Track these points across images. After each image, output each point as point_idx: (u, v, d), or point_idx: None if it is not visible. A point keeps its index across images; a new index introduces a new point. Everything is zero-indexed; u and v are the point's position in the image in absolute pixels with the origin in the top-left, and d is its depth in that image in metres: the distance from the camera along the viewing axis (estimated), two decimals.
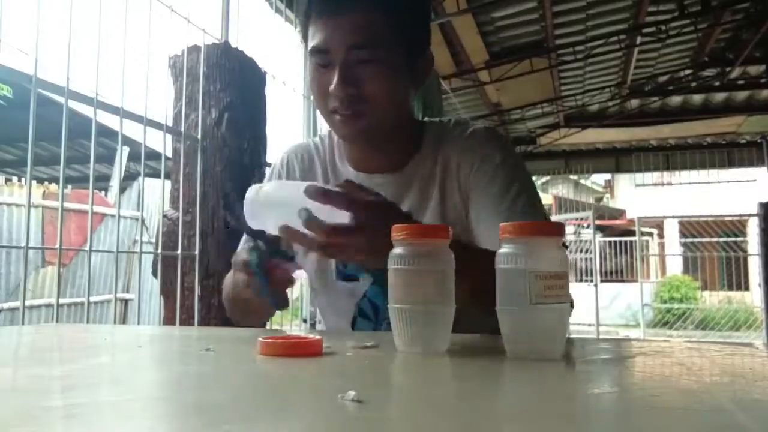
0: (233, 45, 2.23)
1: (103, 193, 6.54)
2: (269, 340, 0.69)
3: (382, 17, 1.00)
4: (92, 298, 4.16)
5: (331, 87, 0.99)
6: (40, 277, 5.45)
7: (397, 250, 0.72)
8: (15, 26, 1.59)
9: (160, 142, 1.97)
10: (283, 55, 3.20)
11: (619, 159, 10.77)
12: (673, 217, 11.64)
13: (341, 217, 0.82)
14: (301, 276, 0.94)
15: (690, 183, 13.17)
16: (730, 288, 11.05)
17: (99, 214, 5.23)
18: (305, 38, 1.06)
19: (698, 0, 5.36)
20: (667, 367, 0.67)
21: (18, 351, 0.81)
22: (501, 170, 1.05)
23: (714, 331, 9.63)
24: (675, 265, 12.46)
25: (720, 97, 8.17)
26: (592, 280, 8.66)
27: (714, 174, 12.15)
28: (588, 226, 10.61)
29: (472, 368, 0.67)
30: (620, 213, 14.31)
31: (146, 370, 0.67)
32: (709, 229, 11.31)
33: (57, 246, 1.51)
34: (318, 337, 0.71)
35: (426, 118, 1.21)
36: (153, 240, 4.58)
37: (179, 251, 1.96)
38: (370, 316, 1.09)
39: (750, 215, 8.16)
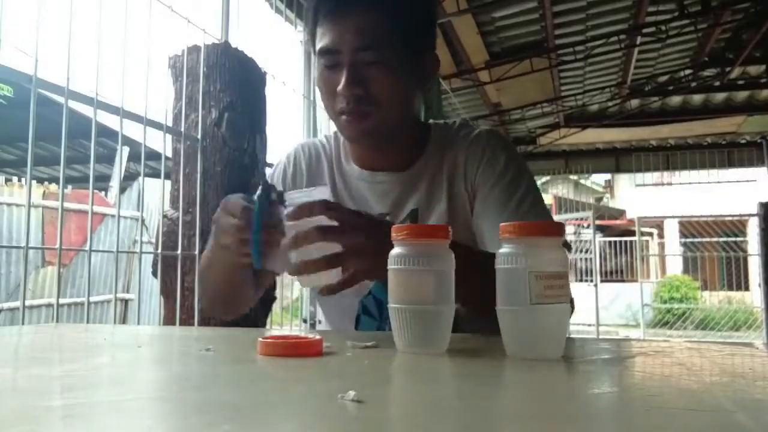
0: (233, 45, 2.22)
1: (103, 193, 6.54)
2: (269, 340, 0.69)
3: (390, 19, 1.01)
4: (92, 298, 4.15)
5: (339, 87, 1.00)
6: (40, 277, 5.45)
7: (397, 250, 0.72)
8: (15, 26, 1.59)
9: (160, 142, 1.97)
10: (283, 55, 3.20)
11: (619, 159, 10.77)
12: (673, 217, 11.64)
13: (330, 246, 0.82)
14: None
15: (690, 183, 13.17)
16: (730, 288, 11.06)
17: (99, 214, 5.23)
18: (312, 39, 1.07)
19: (698, 0, 5.36)
20: (667, 367, 0.67)
21: (18, 351, 0.81)
22: (506, 172, 1.06)
23: (714, 331, 9.63)
24: (675, 265, 12.46)
25: (720, 97, 8.16)
26: (592, 280, 8.66)
27: (714, 174, 12.14)
28: (588, 226, 10.62)
29: (472, 368, 0.67)
30: (620, 213, 14.31)
31: (146, 370, 0.67)
32: (709, 229, 11.32)
33: (57, 246, 1.51)
34: (318, 337, 0.71)
35: (431, 120, 1.21)
36: (153, 240, 4.58)
37: (179, 251, 1.96)
38: (374, 314, 1.09)
39: (750, 215, 8.16)
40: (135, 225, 5.62)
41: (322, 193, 0.90)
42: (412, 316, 0.70)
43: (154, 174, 2.45)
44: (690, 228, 11.87)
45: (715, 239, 10.78)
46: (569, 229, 11.68)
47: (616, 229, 13.40)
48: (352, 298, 1.11)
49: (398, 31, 1.01)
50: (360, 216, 0.89)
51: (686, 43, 6.32)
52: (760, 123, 8.79)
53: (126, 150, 5.97)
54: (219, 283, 1.07)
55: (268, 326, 2.31)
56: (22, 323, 1.50)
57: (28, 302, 3.54)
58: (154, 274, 1.96)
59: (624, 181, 15.12)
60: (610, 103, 8.23)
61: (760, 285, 7.39)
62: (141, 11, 1.81)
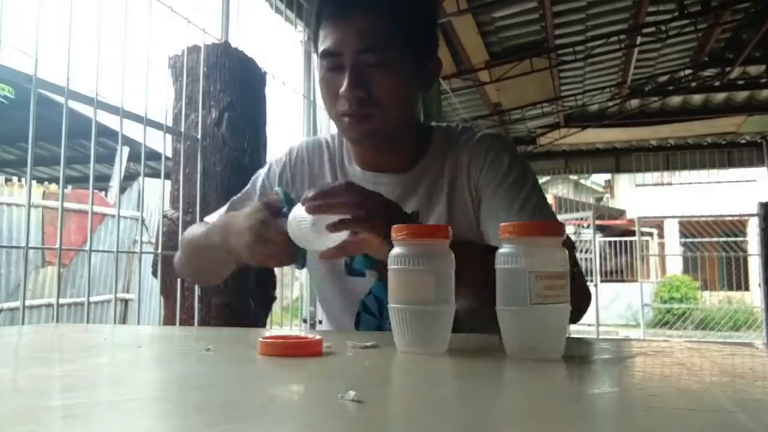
0: (233, 45, 2.22)
1: (103, 193, 6.54)
2: (269, 340, 0.69)
3: (393, 22, 1.01)
4: (92, 298, 4.16)
5: (341, 89, 1.00)
6: (40, 277, 5.45)
7: (397, 250, 0.72)
8: (15, 26, 1.59)
9: (160, 142, 1.97)
10: (283, 55, 3.20)
11: (619, 159, 10.76)
12: (673, 217, 11.64)
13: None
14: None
15: (690, 183, 13.17)
16: (730, 288, 11.05)
17: (99, 214, 5.23)
18: (315, 41, 1.07)
19: (698, 0, 5.36)
20: (667, 367, 0.67)
21: (18, 351, 0.81)
22: (510, 173, 1.07)
23: (714, 331, 9.62)
24: (675, 265, 12.46)
25: (720, 97, 8.16)
26: (592, 280, 8.65)
27: (714, 174, 12.13)
28: (588, 226, 10.62)
29: (472, 368, 0.67)
30: (620, 213, 14.31)
31: (146, 370, 0.67)
32: (709, 229, 11.31)
33: (57, 246, 1.51)
34: (318, 337, 0.71)
35: (433, 123, 1.21)
36: (153, 240, 4.58)
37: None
38: (375, 312, 1.09)
39: (750, 215, 8.16)
40: (135, 225, 5.62)
41: None
42: (412, 316, 0.70)
43: (154, 174, 2.45)
44: (690, 228, 11.87)
45: (715, 239, 10.78)
46: (569, 229, 11.67)
47: (616, 229, 13.40)
48: (353, 297, 1.11)
49: (400, 33, 1.01)
50: (379, 196, 0.91)
51: (686, 43, 6.32)
52: (760, 123, 8.79)
53: (126, 150, 5.97)
54: (213, 263, 1.12)
55: (268, 326, 2.31)
56: (22, 323, 1.50)
57: (28, 302, 3.54)
58: (154, 274, 1.96)
59: (624, 181, 15.12)
60: (610, 103, 8.23)
61: (760, 285, 7.40)
62: (141, 11, 1.81)
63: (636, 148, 10.39)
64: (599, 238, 11.26)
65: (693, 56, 6.77)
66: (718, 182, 12.75)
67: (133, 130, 1.86)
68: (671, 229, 13.10)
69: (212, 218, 1.22)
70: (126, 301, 5.85)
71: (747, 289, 11.04)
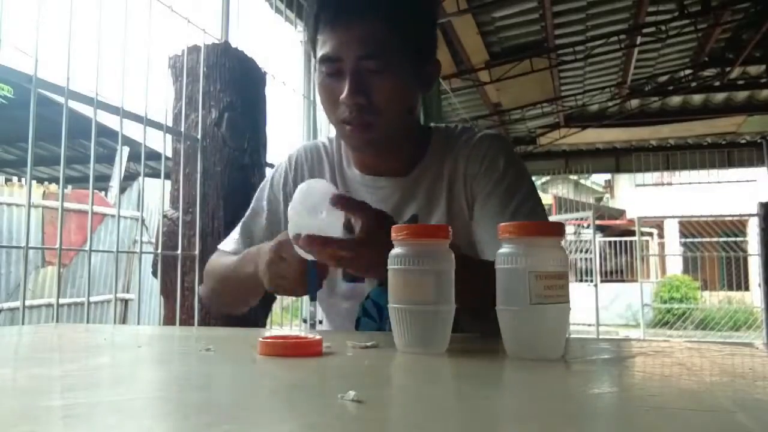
0: (233, 45, 2.22)
1: (103, 193, 6.54)
2: (269, 340, 0.69)
3: (392, 27, 1.00)
4: (92, 298, 4.15)
5: (342, 96, 0.99)
6: (40, 277, 5.45)
7: (397, 250, 0.72)
8: (15, 26, 1.59)
9: (160, 142, 1.97)
10: (283, 55, 3.20)
11: (619, 159, 10.76)
12: (673, 217, 11.64)
13: (332, 230, 0.86)
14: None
15: (690, 183, 13.16)
16: (730, 288, 11.05)
17: (99, 214, 5.23)
18: (313, 46, 1.06)
19: (698, 0, 5.36)
20: (667, 367, 0.67)
21: (18, 351, 0.81)
22: (504, 179, 1.06)
23: (714, 331, 9.62)
24: (675, 265, 12.46)
25: (720, 97, 8.16)
26: (592, 280, 8.66)
27: (714, 174, 12.14)
28: (588, 226, 10.61)
29: (472, 368, 0.67)
30: (620, 213, 14.31)
31: (146, 370, 0.67)
32: (709, 229, 11.31)
33: (57, 246, 1.51)
34: (318, 337, 0.71)
35: (432, 124, 1.21)
36: (153, 240, 4.58)
37: (179, 251, 1.96)
38: (374, 316, 1.09)
39: (750, 215, 8.16)
40: (135, 225, 5.61)
41: (322, 185, 0.92)
42: (412, 316, 0.70)
43: (154, 174, 2.45)
44: (690, 228, 11.86)
45: (715, 239, 10.77)
46: (569, 229, 11.68)
47: (616, 229, 13.40)
48: (353, 301, 1.11)
49: (401, 38, 1.00)
50: (383, 220, 0.87)
51: (686, 43, 6.32)
52: (760, 123, 8.79)
53: (126, 150, 5.97)
54: (240, 292, 1.12)
55: (268, 326, 2.31)
56: (22, 323, 1.50)
57: (28, 302, 3.54)
58: (154, 274, 1.96)
59: (624, 181, 15.12)
60: (610, 103, 8.23)
61: (760, 285, 7.39)
62: (141, 11, 1.81)
63: (636, 148, 10.40)
64: (599, 238, 11.26)
65: (693, 56, 6.78)
66: (718, 182, 12.75)
67: (133, 130, 1.86)
68: (671, 229, 13.10)
69: (227, 245, 1.22)
70: (126, 301, 5.85)
71: (747, 289, 11.04)
